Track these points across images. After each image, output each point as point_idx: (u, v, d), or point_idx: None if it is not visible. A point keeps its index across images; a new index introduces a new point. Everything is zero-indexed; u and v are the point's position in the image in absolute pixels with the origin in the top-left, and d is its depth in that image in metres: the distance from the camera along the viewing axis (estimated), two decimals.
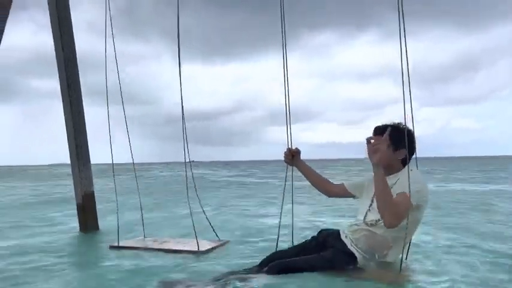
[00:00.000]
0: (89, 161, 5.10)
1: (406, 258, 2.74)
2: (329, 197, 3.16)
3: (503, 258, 3.26)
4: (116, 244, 3.96)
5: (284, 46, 3.20)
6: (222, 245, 3.95)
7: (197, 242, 3.65)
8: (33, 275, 3.03)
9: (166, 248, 3.78)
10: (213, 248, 3.75)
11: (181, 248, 3.72)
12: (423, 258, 3.26)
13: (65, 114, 5.00)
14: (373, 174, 2.54)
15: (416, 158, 2.71)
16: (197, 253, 3.56)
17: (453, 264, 3.08)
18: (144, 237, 4.30)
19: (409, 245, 2.85)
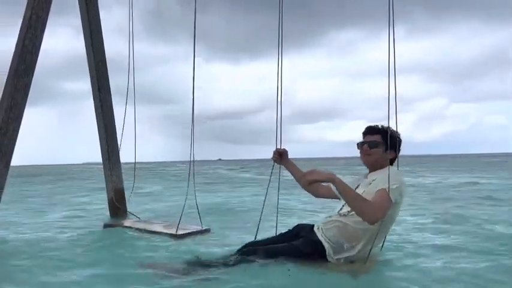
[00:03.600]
0: (119, 161, 5.44)
1: (380, 251, 2.90)
2: (316, 197, 3.31)
3: None
4: (109, 223, 4.90)
5: (280, 44, 3.41)
6: (201, 232, 4.31)
7: (177, 228, 4.17)
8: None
9: (149, 229, 4.41)
10: (189, 234, 4.18)
11: (161, 231, 4.29)
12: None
13: (96, 117, 5.33)
14: (358, 175, 2.77)
15: (397, 158, 2.91)
16: (174, 236, 4.07)
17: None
18: (139, 219, 5.10)
19: (383, 241, 2.97)
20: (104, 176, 5.45)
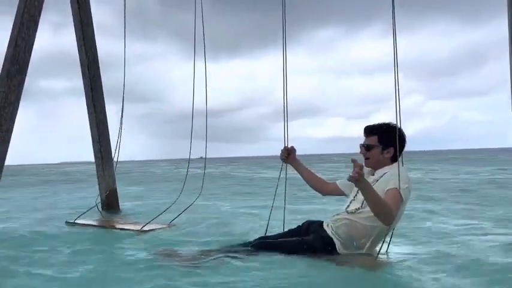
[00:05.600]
0: (112, 160, 5.40)
1: (387, 250, 2.91)
2: (323, 195, 3.32)
3: None
4: (72, 221, 4.70)
5: (284, 44, 3.39)
6: (166, 227, 4.28)
7: (144, 224, 4.18)
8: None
9: (112, 225, 4.46)
10: (153, 230, 4.15)
11: (124, 227, 4.29)
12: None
13: (88, 116, 5.30)
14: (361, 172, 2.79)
15: (402, 154, 2.86)
16: (138, 231, 4.07)
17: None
18: (102, 216, 5.07)
19: (391, 237, 2.99)
20: (96, 176, 5.42)
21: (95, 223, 4.64)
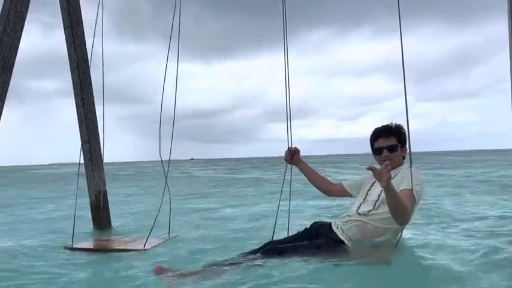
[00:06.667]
0: (102, 162, 5.24)
1: (396, 246, 2.89)
2: (328, 195, 3.28)
3: None
4: (71, 245, 4.04)
5: (285, 45, 3.38)
6: (167, 240, 4.11)
7: (146, 241, 3.85)
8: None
9: (113, 248, 3.97)
10: (156, 246, 3.90)
11: (127, 248, 3.90)
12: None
13: (77, 115, 5.13)
14: (368, 174, 2.72)
15: (410, 154, 2.84)
16: (141, 251, 3.71)
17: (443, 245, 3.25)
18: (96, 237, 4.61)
19: (400, 235, 2.98)
20: (86, 178, 5.25)
21: (92, 246, 4.15)
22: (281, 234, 3.29)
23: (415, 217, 3.48)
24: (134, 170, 30.32)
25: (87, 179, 5.22)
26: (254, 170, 27.13)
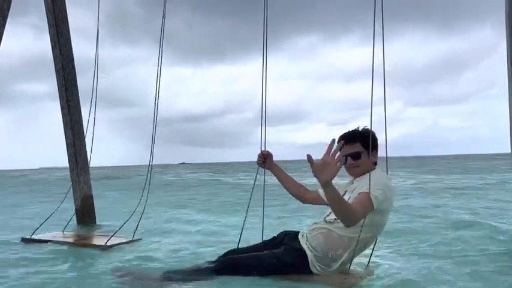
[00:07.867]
0: (87, 166, 5.09)
1: (367, 265, 2.75)
2: (303, 203, 3.08)
3: None
4: (28, 237, 4.14)
5: (264, 49, 3.26)
6: (130, 241, 4.02)
7: (109, 239, 3.87)
8: None
9: (72, 241, 4.03)
10: (118, 244, 3.87)
11: (87, 242, 3.97)
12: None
13: (62, 118, 4.98)
14: (343, 181, 2.62)
15: (387, 160, 2.72)
16: (101, 247, 3.75)
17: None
18: (63, 231, 4.48)
19: (372, 251, 2.82)
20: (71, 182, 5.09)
21: (53, 239, 4.12)
22: (256, 240, 3.11)
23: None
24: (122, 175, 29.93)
25: (72, 184, 5.07)
26: (240, 174, 26.83)
